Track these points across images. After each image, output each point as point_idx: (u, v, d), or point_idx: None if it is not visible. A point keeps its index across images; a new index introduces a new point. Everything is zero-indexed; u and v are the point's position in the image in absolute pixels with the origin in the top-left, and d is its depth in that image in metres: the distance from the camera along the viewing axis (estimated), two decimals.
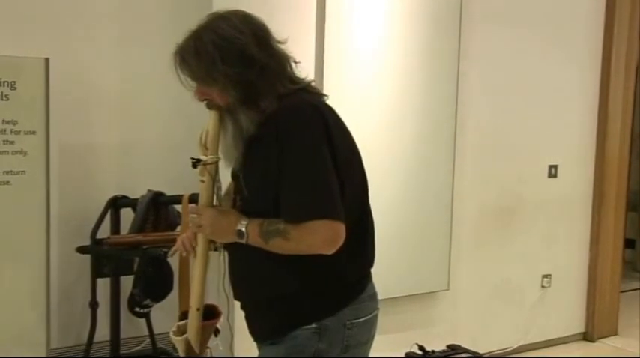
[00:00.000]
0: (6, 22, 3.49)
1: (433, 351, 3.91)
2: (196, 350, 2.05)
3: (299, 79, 1.96)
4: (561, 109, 4.86)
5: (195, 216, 1.98)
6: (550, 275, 4.92)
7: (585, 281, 5.17)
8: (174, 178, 3.80)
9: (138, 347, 3.83)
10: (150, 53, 3.85)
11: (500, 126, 4.57)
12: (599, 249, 5.12)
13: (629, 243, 6.97)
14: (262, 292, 1.97)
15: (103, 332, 3.63)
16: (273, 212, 1.84)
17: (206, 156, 1.96)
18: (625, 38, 5.03)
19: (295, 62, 1.96)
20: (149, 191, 3.50)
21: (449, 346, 4.03)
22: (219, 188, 2.01)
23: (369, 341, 2.03)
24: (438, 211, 4.21)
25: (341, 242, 1.82)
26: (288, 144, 1.80)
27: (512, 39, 4.55)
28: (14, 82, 3.16)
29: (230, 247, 2.00)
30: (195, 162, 1.96)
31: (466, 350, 3.99)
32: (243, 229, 1.86)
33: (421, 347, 3.88)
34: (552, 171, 4.87)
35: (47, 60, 3.23)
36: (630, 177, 5.61)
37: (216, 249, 2.10)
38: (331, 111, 1.92)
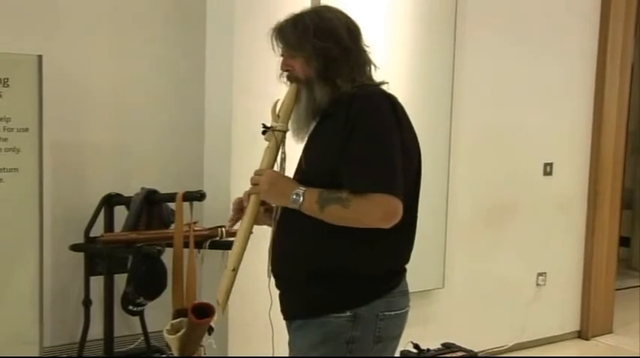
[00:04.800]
0: None
1: (428, 350, 3.90)
2: (222, 311, 2.10)
3: (375, 80, 2.11)
4: (556, 107, 4.86)
5: (255, 176, 2.07)
6: (545, 273, 4.92)
7: (580, 279, 5.17)
8: (168, 176, 3.80)
9: (131, 346, 3.83)
10: (144, 51, 3.85)
11: (495, 125, 4.56)
12: (594, 246, 5.13)
13: (624, 241, 6.98)
14: (302, 267, 2.02)
15: (96, 331, 3.62)
16: (329, 187, 1.93)
17: (276, 123, 2.09)
18: (620, 36, 5.03)
19: (375, 67, 2.12)
20: (142, 189, 3.49)
21: (444, 344, 4.02)
22: (284, 159, 2.10)
23: (399, 336, 2.10)
24: (432, 209, 4.20)
25: (397, 219, 1.90)
26: (359, 121, 1.91)
27: (507, 37, 4.54)
28: (7, 79, 3.14)
29: (279, 221, 2.08)
30: (265, 129, 2.09)
31: (461, 349, 3.98)
32: (300, 193, 1.95)
33: (416, 346, 3.87)
34: (547, 169, 4.87)
35: (40, 57, 3.20)
36: (625, 175, 5.60)
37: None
38: (402, 106, 2.04)
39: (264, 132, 2.09)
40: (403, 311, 2.08)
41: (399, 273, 2.09)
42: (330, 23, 2.04)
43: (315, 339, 2.00)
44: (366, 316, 1.98)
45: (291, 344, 2.11)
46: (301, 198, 1.94)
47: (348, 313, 1.97)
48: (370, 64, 2.11)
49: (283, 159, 2.10)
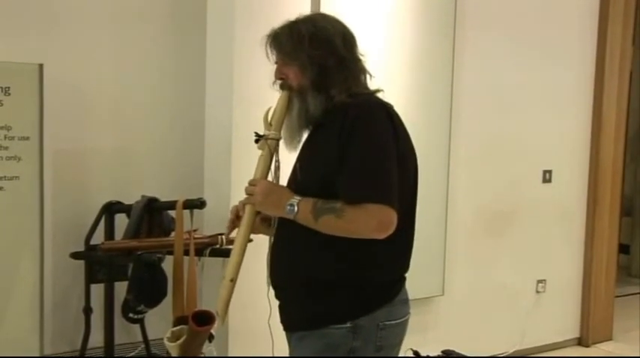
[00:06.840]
0: (0, 28, 3.48)
1: (428, 357, 3.90)
2: (221, 322, 2.10)
3: (369, 88, 2.09)
4: (555, 114, 4.86)
5: (249, 186, 2.06)
6: (545, 280, 4.93)
7: (580, 287, 5.17)
8: (169, 184, 3.80)
9: (132, 353, 3.82)
10: (144, 59, 3.86)
11: (494, 132, 4.57)
12: (594, 254, 5.13)
13: (623, 248, 6.98)
14: (301, 279, 2.02)
15: (96, 338, 3.62)
16: (324, 197, 1.92)
17: (269, 131, 2.07)
18: (619, 43, 5.04)
19: (370, 75, 2.11)
20: (143, 196, 3.49)
21: (443, 351, 4.02)
22: (278, 167, 2.09)
23: (400, 343, 2.10)
24: (432, 216, 4.21)
25: (392, 229, 1.88)
26: (355, 132, 1.90)
27: (505, 44, 4.55)
28: (8, 87, 3.16)
29: (276, 231, 2.07)
30: (258, 138, 2.08)
31: (461, 356, 3.98)
32: (295, 203, 1.94)
33: (416, 353, 3.86)
34: (547, 177, 4.87)
35: (41, 66, 3.22)
36: (624, 182, 5.61)
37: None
38: (397, 114, 2.02)
39: (257, 141, 2.08)
40: (404, 319, 2.07)
41: (398, 282, 2.08)
42: (325, 32, 2.02)
43: (316, 350, 2.00)
44: (367, 326, 1.97)
45: (291, 355, 2.11)
46: (296, 208, 1.93)
47: (349, 324, 1.96)
48: (365, 73, 2.09)
49: (277, 168, 2.09)
